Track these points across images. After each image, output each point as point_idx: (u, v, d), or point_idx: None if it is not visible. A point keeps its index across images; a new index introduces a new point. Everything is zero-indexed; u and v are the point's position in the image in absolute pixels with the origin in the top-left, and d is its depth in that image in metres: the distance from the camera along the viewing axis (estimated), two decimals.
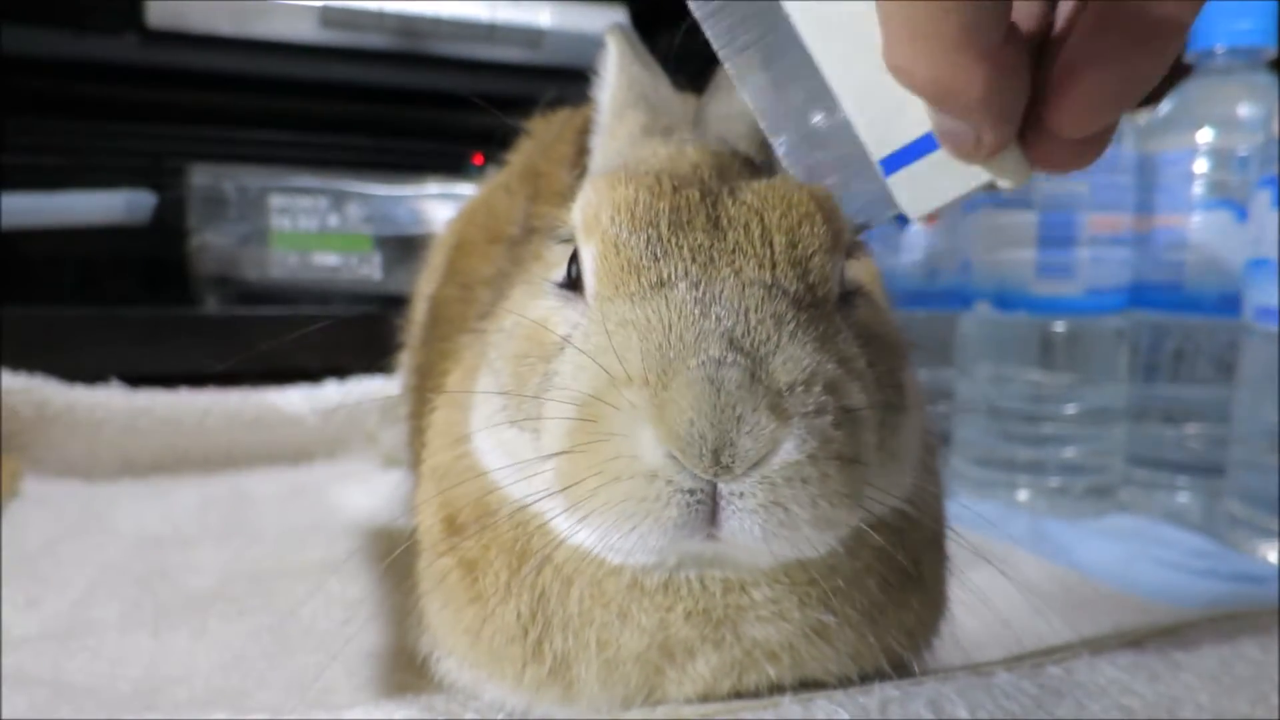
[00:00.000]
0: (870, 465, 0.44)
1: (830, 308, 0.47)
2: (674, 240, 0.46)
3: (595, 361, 0.43)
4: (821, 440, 0.41)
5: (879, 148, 0.50)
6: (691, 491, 0.40)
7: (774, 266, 0.46)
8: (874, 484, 0.44)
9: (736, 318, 0.43)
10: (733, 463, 0.40)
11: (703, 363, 0.41)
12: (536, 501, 0.46)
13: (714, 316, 0.43)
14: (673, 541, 0.42)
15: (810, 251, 0.46)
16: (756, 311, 0.43)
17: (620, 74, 0.64)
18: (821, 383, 0.42)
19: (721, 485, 0.40)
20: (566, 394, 0.44)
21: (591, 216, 0.48)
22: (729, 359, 0.41)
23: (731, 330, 0.42)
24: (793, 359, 0.42)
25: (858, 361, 0.46)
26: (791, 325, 0.43)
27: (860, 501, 0.43)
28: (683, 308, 0.43)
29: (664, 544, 0.42)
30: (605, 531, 0.42)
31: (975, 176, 0.49)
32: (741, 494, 0.40)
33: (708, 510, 0.41)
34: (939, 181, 0.50)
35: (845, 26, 0.48)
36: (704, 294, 0.44)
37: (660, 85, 0.66)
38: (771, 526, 0.41)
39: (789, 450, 0.40)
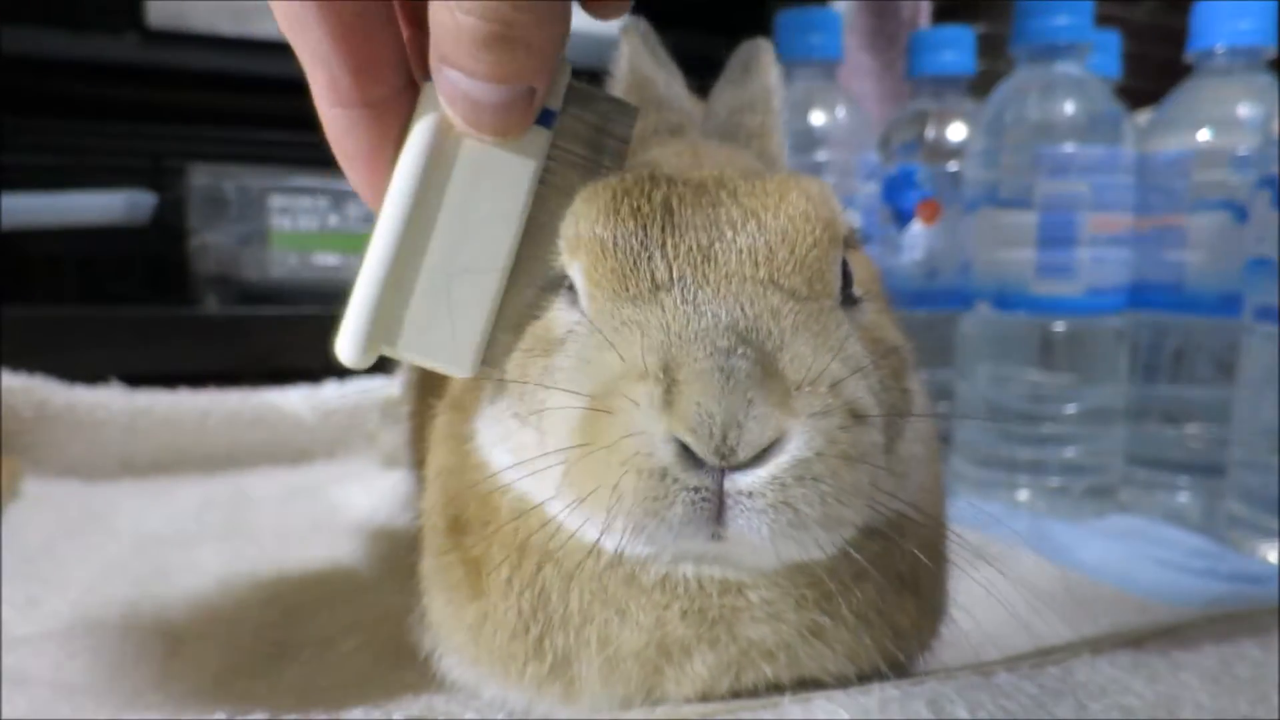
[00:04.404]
0: (879, 466, 0.44)
1: (832, 304, 0.47)
2: (666, 240, 0.46)
3: (605, 352, 0.43)
4: (829, 439, 0.41)
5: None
6: (697, 489, 0.40)
7: (770, 263, 0.45)
8: (881, 486, 0.44)
9: (739, 313, 0.43)
10: (738, 444, 0.39)
11: (711, 353, 0.41)
12: (542, 501, 0.46)
13: (711, 313, 0.43)
14: (677, 539, 0.42)
15: (806, 248, 0.46)
16: (754, 306, 0.43)
17: (630, 74, 0.64)
18: (828, 383, 0.42)
19: (728, 483, 0.40)
20: (574, 385, 0.44)
21: (573, 234, 0.48)
22: (738, 350, 0.41)
23: (734, 324, 0.42)
24: (798, 356, 0.42)
25: (863, 360, 0.46)
26: (792, 320, 0.43)
27: (869, 502, 0.43)
28: (680, 308, 0.43)
29: (668, 541, 0.42)
30: (610, 528, 0.42)
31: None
32: (750, 493, 0.40)
33: (713, 508, 0.41)
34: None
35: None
36: (699, 293, 0.44)
37: (673, 83, 0.65)
38: (780, 527, 0.40)
39: (797, 447, 0.40)
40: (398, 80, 0.48)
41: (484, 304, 0.49)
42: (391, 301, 0.49)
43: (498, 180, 0.50)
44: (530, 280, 0.51)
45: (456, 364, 0.50)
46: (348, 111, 0.48)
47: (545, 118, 0.49)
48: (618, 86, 0.65)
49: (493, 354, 0.51)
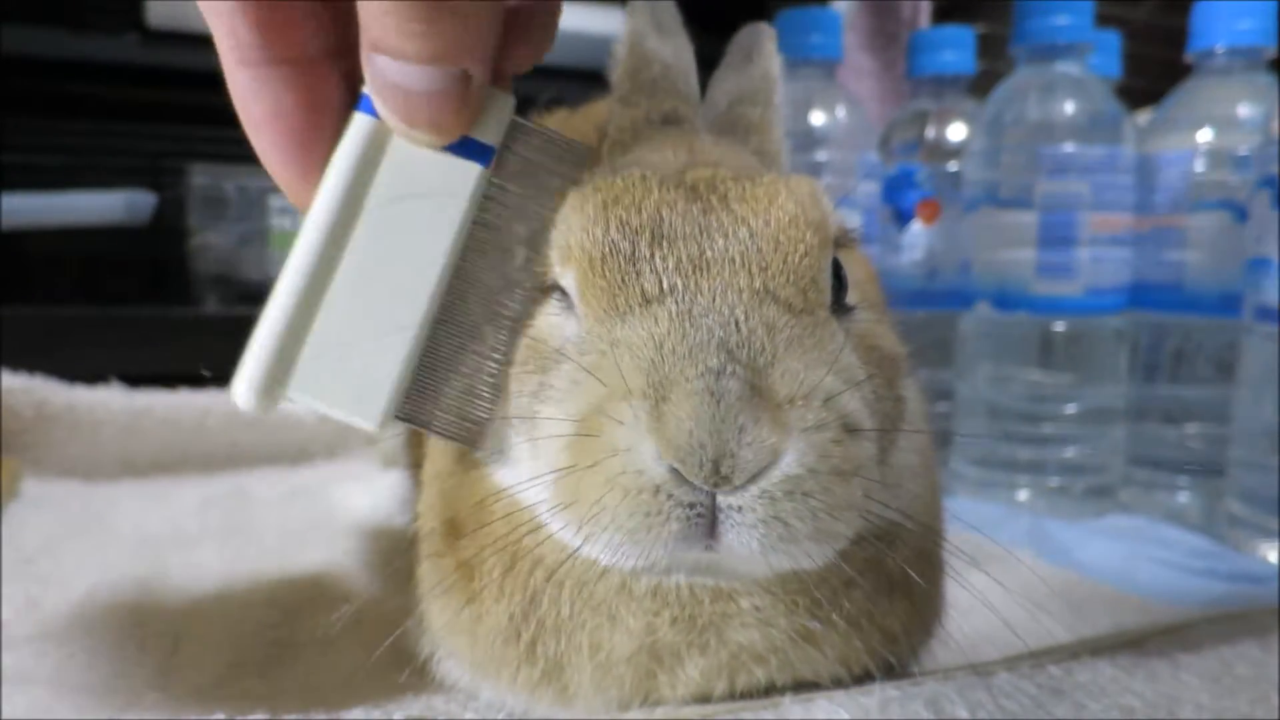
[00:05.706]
0: (872, 479, 0.43)
1: (824, 313, 0.46)
2: (655, 253, 0.45)
3: (592, 376, 0.43)
4: (821, 454, 0.41)
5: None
6: (691, 505, 0.40)
7: (763, 272, 0.45)
8: (874, 498, 0.44)
9: (729, 327, 0.42)
10: (732, 473, 0.39)
11: (701, 373, 0.40)
12: (536, 515, 0.46)
13: (705, 327, 0.42)
14: (672, 554, 0.42)
15: (798, 256, 0.46)
16: (748, 320, 0.43)
17: (630, 56, 0.62)
18: (821, 397, 0.42)
19: (720, 498, 0.40)
20: (563, 408, 0.44)
21: (563, 244, 0.47)
22: (728, 369, 0.40)
23: (726, 340, 0.42)
24: (790, 371, 0.42)
25: (857, 372, 0.46)
26: (786, 333, 0.43)
27: (861, 515, 0.43)
28: (673, 321, 0.43)
29: (663, 556, 0.42)
30: (604, 545, 0.42)
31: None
32: (740, 508, 0.40)
33: (707, 523, 0.40)
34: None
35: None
36: (693, 305, 0.43)
37: (678, 61, 0.63)
38: (771, 540, 0.40)
39: (789, 463, 0.40)
40: (311, 44, 0.45)
41: (399, 350, 0.46)
42: (296, 340, 0.45)
43: (425, 210, 0.46)
44: (474, 333, 0.48)
45: (362, 414, 0.46)
46: (253, 71, 0.45)
47: (482, 154, 0.47)
48: (618, 67, 0.63)
49: (480, 427, 0.48)
